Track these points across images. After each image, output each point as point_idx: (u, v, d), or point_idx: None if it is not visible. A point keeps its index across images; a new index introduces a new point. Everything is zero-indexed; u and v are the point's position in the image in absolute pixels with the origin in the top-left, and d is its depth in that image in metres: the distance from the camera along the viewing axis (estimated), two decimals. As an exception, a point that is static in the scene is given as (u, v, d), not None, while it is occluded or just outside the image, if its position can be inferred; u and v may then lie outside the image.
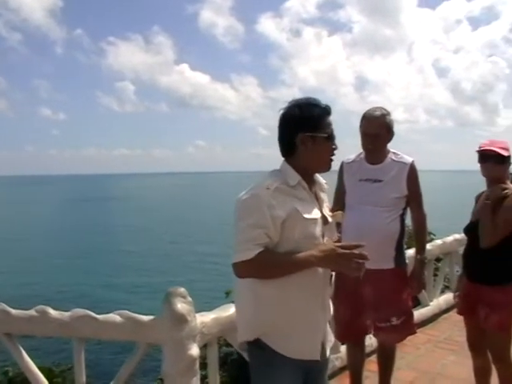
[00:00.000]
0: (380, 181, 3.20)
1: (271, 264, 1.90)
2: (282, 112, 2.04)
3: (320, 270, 1.99)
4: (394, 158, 3.25)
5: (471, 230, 3.08)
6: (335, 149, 2.06)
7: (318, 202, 2.09)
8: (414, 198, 3.29)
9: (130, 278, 24.20)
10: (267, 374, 2.00)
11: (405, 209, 3.26)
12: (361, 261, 1.87)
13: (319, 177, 2.15)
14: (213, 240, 34.44)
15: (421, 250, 3.38)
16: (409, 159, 3.26)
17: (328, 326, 2.14)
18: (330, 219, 2.12)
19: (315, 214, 2.01)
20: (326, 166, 2.08)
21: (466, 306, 3.16)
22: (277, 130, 2.06)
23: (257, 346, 2.00)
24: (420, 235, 3.42)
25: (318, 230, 2.01)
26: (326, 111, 2.03)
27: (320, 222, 2.03)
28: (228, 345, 3.87)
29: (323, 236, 2.03)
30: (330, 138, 2.03)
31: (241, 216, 1.93)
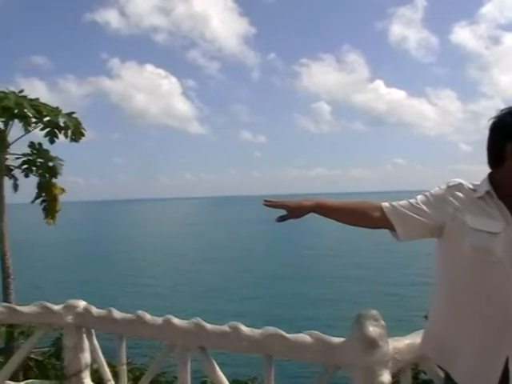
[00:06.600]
0: None
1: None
2: (492, 120, 1.84)
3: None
4: None
5: None
6: None
7: None
8: None
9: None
10: None
11: None
12: None
13: None
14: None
15: None
16: None
17: None
18: None
19: (492, 227, 1.75)
20: None
21: None
22: (479, 145, 1.88)
23: (445, 374, 1.95)
24: None
25: (496, 245, 1.73)
26: None
27: (503, 238, 1.75)
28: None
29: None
30: None
31: None
